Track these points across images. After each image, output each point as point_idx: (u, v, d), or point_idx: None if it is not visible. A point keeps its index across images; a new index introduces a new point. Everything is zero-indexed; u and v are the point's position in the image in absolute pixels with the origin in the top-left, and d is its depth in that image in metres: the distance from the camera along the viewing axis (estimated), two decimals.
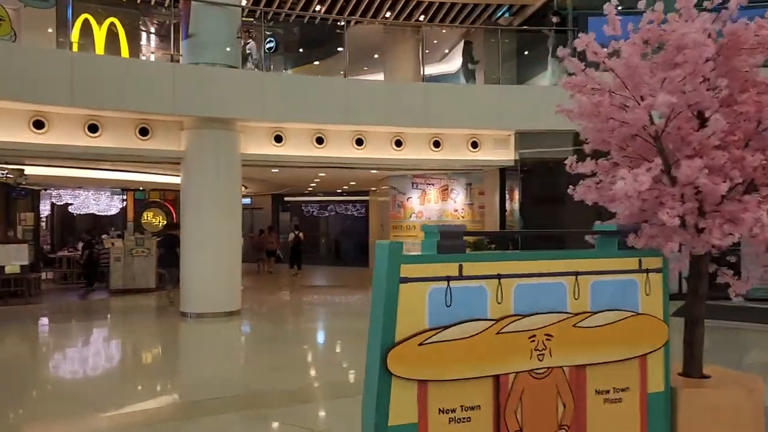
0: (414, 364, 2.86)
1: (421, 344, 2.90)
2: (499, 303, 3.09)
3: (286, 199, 26.23)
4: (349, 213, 27.61)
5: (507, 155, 12.53)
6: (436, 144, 12.36)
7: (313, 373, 7.44)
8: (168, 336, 10.11)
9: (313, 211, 28.10)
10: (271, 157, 11.59)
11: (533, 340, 3.11)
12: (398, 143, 12.21)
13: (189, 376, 7.34)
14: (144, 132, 10.64)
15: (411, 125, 11.70)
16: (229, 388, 6.47)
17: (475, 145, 12.49)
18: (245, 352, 8.96)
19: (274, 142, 11.55)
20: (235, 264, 11.11)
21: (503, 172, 13.07)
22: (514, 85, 12.36)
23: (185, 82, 10.31)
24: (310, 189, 22.28)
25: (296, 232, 21.13)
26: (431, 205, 14.62)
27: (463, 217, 14.29)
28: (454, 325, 2.95)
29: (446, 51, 17.08)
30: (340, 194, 25.36)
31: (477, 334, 2.99)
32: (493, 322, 3.03)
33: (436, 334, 2.92)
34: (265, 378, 6.87)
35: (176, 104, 10.23)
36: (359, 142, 12.02)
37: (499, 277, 3.11)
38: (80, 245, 15.68)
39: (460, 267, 3.06)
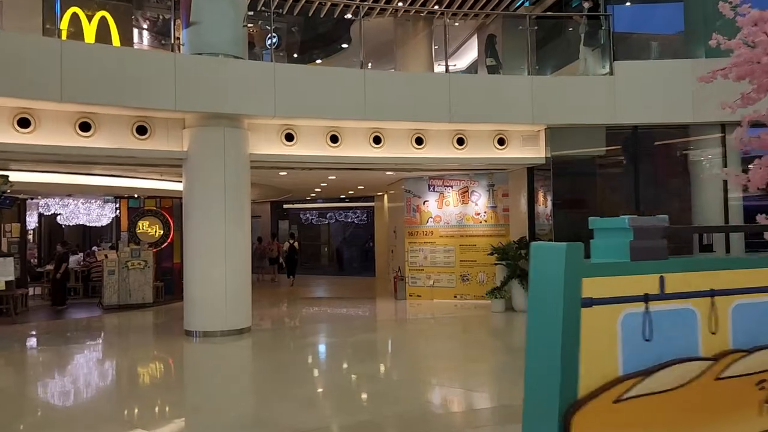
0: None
1: (617, 401, 1.90)
2: (713, 333, 2.09)
3: (285, 206, 25.16)
4: (349, 220, 26.61)
5: (536, 153, 11.56)
6: (460, 141, 11.37)
7: (356, 406, 6.37)
8: (173, 360, 9.02)
9: (312, 219, 27.07)
10: (281, 158, 10.54)
11: (763, 388, 2.13)
12: (419, 141, 11.21)
13: (208, 414, 6.14)
14: (142, 130, 9.58)
15: (434, 120, 10.71)
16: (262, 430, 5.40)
17: (501, 142, 11.50)
18: (268, 380, 7.43)
19: (284, 141, 10.51)
20: (245, 276, 10.04)
21: (531, 171, 12.09)
22: (545, 76, 11.39)
23: (187, 75, 9.27)
24: (313, 195, 21.23)
25: (291, 241, 20.57)
26: (450, 209, 13.61)
27: (485, 221, 13.29)
28: (660, 368, 1.95)
29: (457, 46, 16.16)
30: (342, 200, 24.34)
31: (690, 381, 1.99)
32: (710, 362, 2.03)
33: (638, 383, 1.92)
34: (302, 416, 5.75)
35: (178, 99, 9.18)
36: (377, 140, 11.01)
37: (712, 293, 2.11)
38: (73, 257, 14.53)
39: (662, 280, 2.04)
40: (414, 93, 10.64)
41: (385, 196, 20.02)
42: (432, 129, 11.23)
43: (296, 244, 20.75)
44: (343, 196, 22.97)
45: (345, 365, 8.19)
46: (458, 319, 11.50)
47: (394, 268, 14.96)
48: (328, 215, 26.73)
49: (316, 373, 7.85)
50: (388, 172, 12.83)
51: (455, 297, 13.49)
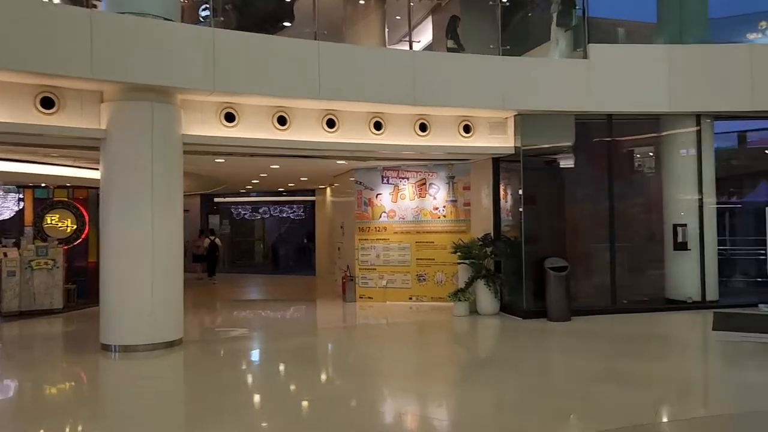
0: None
1: None
2: None
3: (215, 199, 23.32)
4: (285, 215, 25.05)
5: (504, 142, 10.56)
6: (423, 127, 10.22)
7: None
8: (84, 382, 7.39)
9: (245, 214, 25.31)
10: (220, 141, 9.04)
11: None
12: (378, 126, 9.97)
13: None
14: (48, 103, 7.86)
15: (396, 102, 9.49)
16: None
17: (467, 129, 10.44)
18: (204, 407, 5.90)
19: (224, 122, 9.03)
20: (176, 278, 8.49)
21: (497, 162, 11.10)
22: (516, 56, 10.39)
23: (107, 37, 7.63)
24: (249, 187, 19.57)
25: (212, 237, 19.12)
26: (406, 203, 12.45)
27: (444, 216, 12.20)
28: None
29: (408, 29, 14.98)
30: (279, 194, 22.78)
31: None
32: None
33: None
34: None
35: (94, 65, 7.54)
36: (331, 123, 9.69)
37: None
38: None
39: None
40: (374, 71, 9.39)
41: (328, 190, 18.69)
42: (392, 113, 10.03)
43: (217, 240, 19.43)
44: (281, 189, 21.41)
45: (293, 386, 6.84)
46: (418, 326, 10.35)
47: (341, 267, 13.67)
48: (261, 210, 25.08)
49: (261, 397, 6.47)
50: (340, 161, 11.53)
51: (410, 299, 12.36)
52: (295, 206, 24.72)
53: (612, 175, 10.53)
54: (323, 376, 7.37)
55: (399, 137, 10.13)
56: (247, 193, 22.98)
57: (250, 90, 8.66)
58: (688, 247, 10.43)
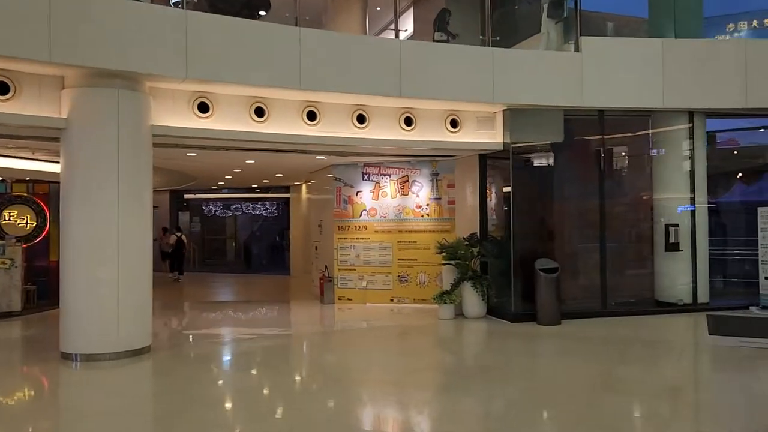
0: None
1: None
2: None
3: (186, 196, 22.51)
4: (258, 213, 24.33)
5: (492, 137, 10.13)
6: (408, 121, 9.72)
7: None
8: (41, 396, 6.72)
9: (216, 211, 24.51)
10: (192, 133, 8.41)
11: None
12: (361, 119, 9.45)
13: None
14: (3, 88, 7.16)
15: (382, 93, 8.97)
16: None
17: (454, 123, 9.98)
18: (175, 427, 5.54)
19: (197, 112, 8.40)
20: (144, 280, 7.85)
21: (484, 159, 10.67)
22: (507, 48, 9.95)
23: (67, 15, 6.95)
24: (221, 183, 18.84)
25: (178, 234, 18.53)
26: (387, 201, 11.94)
27: (428, 215, 11.73)
28: None
29: (394, 16, 14.48)
30: (252, 191, 22.07)
31: None
32: None
33: None
34: None
35: (54, 48, 6.86)
36: (311, 116, 9.14)
37: None
38: None
39: None
40: (359, 60, 8.85)
41: (304, 187, 18.10)
42: (377, 105, 9.52)
43: (184, 237, 18.84)
44: (255, 186, 20.71)
45: (267, 400, 6.29)
46: (401, 329, 9.84)
47: (319, 267, 13.11)
48: (233, 207, 24.31)
49: (233, 413, 5.91)
50: (319, 157, 10.96)
51: (391, 300, 11.87)
52: (268, 203, 24.02)
53: (603, 174, 10.19)
54: (300, 388, 6.83)
55: (383, 131, 9.62)
56: (219, 190, 22.26)
57: (226, 78, 8.04)
58: (680, 248, 10.13)
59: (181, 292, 14.99)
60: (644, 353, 7.87)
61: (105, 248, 7.39)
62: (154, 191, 9.03)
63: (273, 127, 8.90)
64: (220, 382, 7.12)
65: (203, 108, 8.43)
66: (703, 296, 10.28)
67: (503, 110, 9.90)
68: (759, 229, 10.29)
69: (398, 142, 9.72)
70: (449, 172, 11.59)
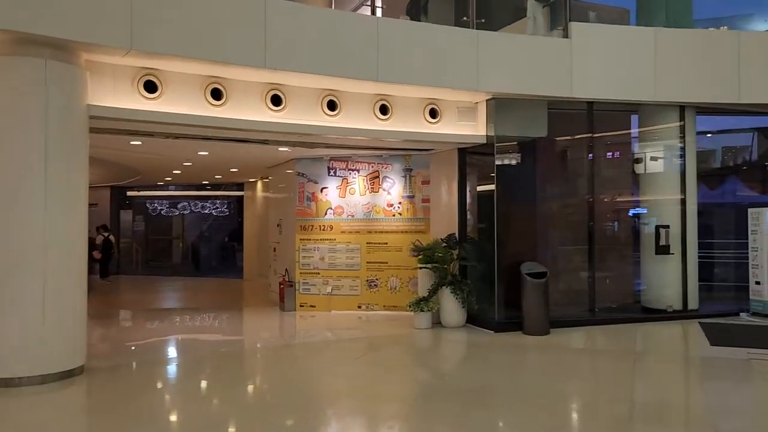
0: None
1: None
2: None
3: (128, 193, 20.92)
4: (207, 212, 22.91)
5: (474, 130, 9.27)
6: (384, 110, 8.77)
7: None
8: None
9: (161, 210, 22.96)
10: (137, 116, 7.21)
11: None
12: (332, 105, 8.43)
13: None
14: None
15: (357, 76, 7.98)
16: None
17: (434, 113, 9.08)
18: None
19: (143, 92, 7.21)
20: (77, 291, 6.60)
21: (463, 154, 9.81)
22: (493, 31, 9.08)
23: None
24: (168, 179, 17.41)
25: (105, 234, 17.14)
26: (356, 198, 10.94)
27: (400, 214, 10.79)
28: None
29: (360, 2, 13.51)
30: (202, 188, 20.70)
31: None
32: None
33: None
34: None
35: None
36: (276, 100, 8.07)
37: None
38: None
39: None
40: (331, 38, 7.82)
41: (259, 183, 16.89)
42: (349, 91, 8.52)
43: (111, 237, 17.51)
44: (206, 182, 19.34)
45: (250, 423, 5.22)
46: (374, 341, 8.84)
47: (279, 271, 11.99)
48: (180, 205, 22.82)
49: None
50: (283, 148, 9.86)
51: (359, 307, 10.88)
52: (219, 202, 22.65)
53: (593, 173, 9.48)
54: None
55: (356, 120, 8.62)
56: (166, 187, 20.78)
57: (176, 51, 6.88)
58: (671, 251, 9.51)
59: (120, 298, 13.50)
60: (652, 370, 7.11)
61: (28, 255, 6.12)
62: (91, 187, 7.80)
63: (232, 111, 7.79)
64: (162, 407, 5.97)
65: (150, 87, 7.25)
66: (693, 302, 9.70)
67: (487, 100, 9.05)
68: (749, 231, 9.79)
69: (373, 132, 8.74)
70: (424, 168, 10.69)
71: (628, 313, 9.82)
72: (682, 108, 9.67)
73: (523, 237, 9.35)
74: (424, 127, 9.02)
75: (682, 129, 9.69)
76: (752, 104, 9.56)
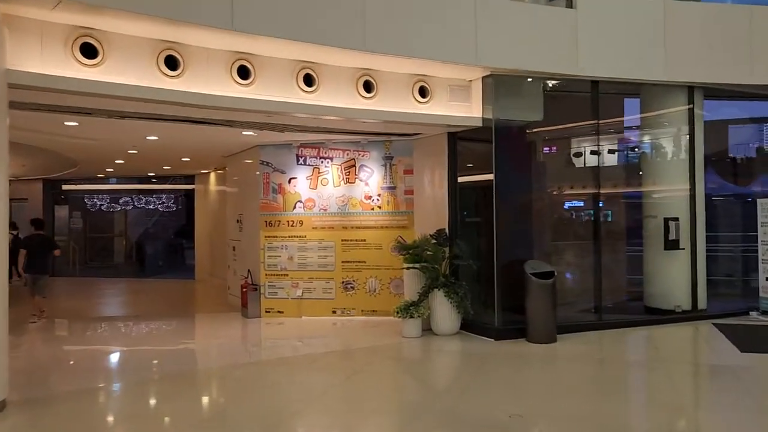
0: None
1: None
2: None
3: (64, 187, 18.99)
4: (153, 207, 21.17)
5: (467, 111, 8.20)
6: (368, 86, 7.58)
7: None
8: None
9: (101, 205, 21.09)
10: (72, 86, 5.80)
11: None
12: (308, 80, 7.19)
13: None
14: None
15: (337, 43, 6.73)
16: None
17: (423, 92, 7.95)
18: None
19: (79, 57, 5.81)
20: None
21: (453, 138, 8.72)
22: None
23: None
24: (110, 170, 15.67)
25: (14, 232, 15.23)
26: (329, 190, 9.71)
27: (379, 207, 9.62)
28: None
29: None
30: (147, 181, 19.00)
31: None
32: None
33: None
34: None
35: None
36: (244, 72, 6.78)
37: None
38: None
39: None
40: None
41: (212, 175, 15.41)
42: (329, 64, 7.31)
43: (20, 235, 15.52)
44: (152, 175, 17.67)
45: None
46: (356, 355, 7.65)
47: (240, 272, 10.65)
48: (123, 200, 20.99)
49: None
50: (247, 132, 8.54)
51: (333, 312, 9.67)
52: (165, 196, 20.96)
53: (599, 160, 8.57)
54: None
55: (336, 98, 7.40)
56: (106, 180, 18.98)
57: (121, 5, 5.51)
58: (681, 246, 8.70)
59: (54, 305, 11.80)
60: (680, 382, 6.21)
61: None
62: (21, 180, 6.33)
63: (190, 84, 6.46)
64: None
65: (89, 51, 5.85)
66: (702, 301, 8.92)
67: (483, 77, 7.99)
68: (759, 224, 9.09)
69: (356, 112, 7.53)
70: (406, 155, 9.55)
71: (633, 315, 8.96)
72: (690, 89, 8.84)
73: (525, 232, 8.34)
74: (412, 106, 7.88)
75: (691, 112, 8.87)
76: (763, 86, 8.83)
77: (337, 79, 7.40)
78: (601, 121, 8.54)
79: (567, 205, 10.51)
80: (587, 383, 6.24)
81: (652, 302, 9.04)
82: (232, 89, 6.73)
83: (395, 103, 7.76)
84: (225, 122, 7.66)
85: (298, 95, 7.14)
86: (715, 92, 9.09)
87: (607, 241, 9.35)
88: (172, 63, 6.34)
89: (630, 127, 10.23)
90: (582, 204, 10.10)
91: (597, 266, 8.46)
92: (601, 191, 8.54)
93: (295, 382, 6.41)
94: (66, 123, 7.64)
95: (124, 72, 6.06)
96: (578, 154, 9.51)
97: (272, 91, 6.98)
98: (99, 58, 5.91)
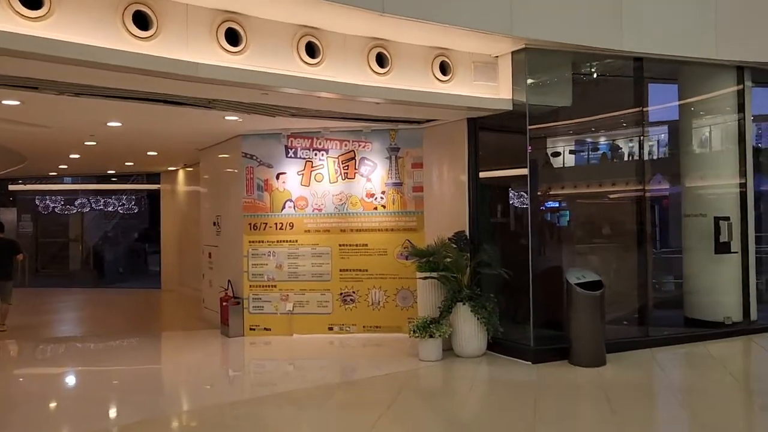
0: None
1: None
2: None
3: (11, 187, 17.19)
4: (113, 209, 19.38)
5: (494, 92, 6.96)
6: (380, 60, 6.27)
7: None
8: None
9: (55, 207, 19.21)
10: (12, 43, 4.34)
11: None
12: (311, 50, 5.85)
13: None
14: None
15: (349, 2, 5.41)
16: None
17: (444, 69, 6.68)
18: None
19: (19, 7, 4.37)
20: None
21: (474, 125, 7.48)
22: None
23: None
24: (64, 167, 13.93)
25: None
26: (324, 187, 8.37)
27: (384, 206, 8.31)
28: None
29: None
30: (106, 180, 17.32)
31: None
32: None
33: None
34: None
35: None
36: (233, 37, 5.41)
37: None
38: None
39: None
40: None
41: (181, 173, 13.88)
42: (335, 31, 5.98)
43: None
44: (111, 172, 16.00)
45: None
46: (371, 387, 6.33)
47: (217, 282, 9.21)
48: (78, 202, 19.15)
49: None
50: (231, 117, 7.13)
51: (330, 329, 8.32)
52: (126, 197, 19.20)
53: (642, 152, 7.42)
54: None
55: (344, 72, 6.07)
56: (60, 179, 17.22)
57: None
58: (732, 249, 7.62)
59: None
60: None
61: None
62: None
63: (164, 48, 5.06)
64: None
65: (34, 2, 4.41)
66: (754, 312, 7.87)
67: (513, 52, 6.76)
68: None
69: (366, 90, 6.20)
70: (415, 146, 8.26)
71: (678, 328, 7.84)
72: (740, 70, 7.79)
73: (564, 237, 7.14)
74: (432, 86, 6.60)
75: (742, 95, 7.81)
76: None
77: (344, 49, 6.07)
78: (645, 108, 7.41)
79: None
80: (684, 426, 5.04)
81: (696, 313, 7.94)
82: (218, 57, 5.36)
83: (413, 81, 6.47)
84: (206, 103, 6.26)
85: (299, 67, 5.79)
86: (764, 75, 8.06)
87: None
88: (141, 21, 4.95)
89: (654, 122, 9.16)
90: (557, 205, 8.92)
91: (642, 273, 7.32)
92: (647, 188, 7.40)
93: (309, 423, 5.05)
94: (5, 101, 6.12)
95: (78, 29, 4.64)
96: (616, 148, 8.39)
97: (267, 61, 5.62)
98: (46, 10, 4.49)
